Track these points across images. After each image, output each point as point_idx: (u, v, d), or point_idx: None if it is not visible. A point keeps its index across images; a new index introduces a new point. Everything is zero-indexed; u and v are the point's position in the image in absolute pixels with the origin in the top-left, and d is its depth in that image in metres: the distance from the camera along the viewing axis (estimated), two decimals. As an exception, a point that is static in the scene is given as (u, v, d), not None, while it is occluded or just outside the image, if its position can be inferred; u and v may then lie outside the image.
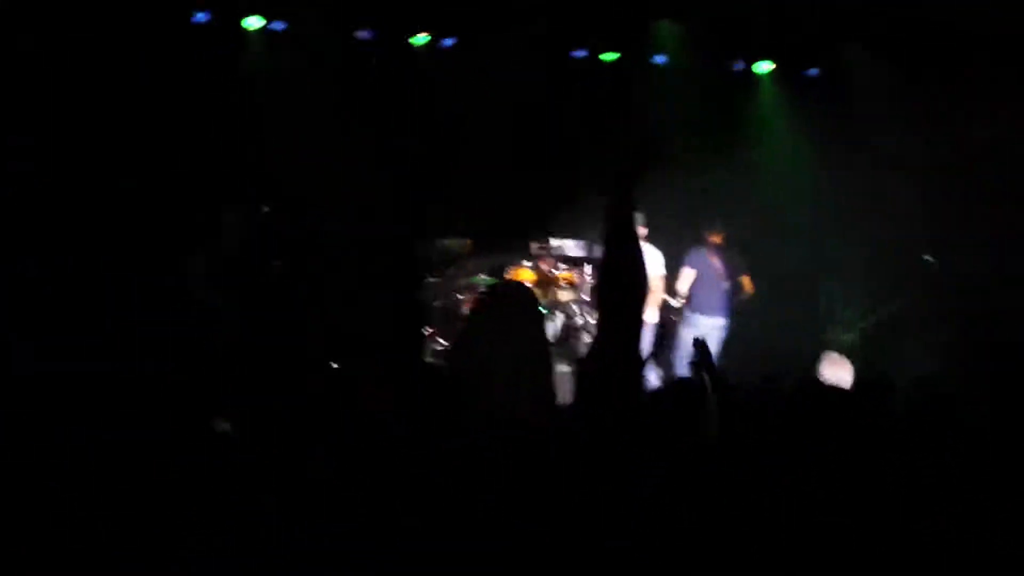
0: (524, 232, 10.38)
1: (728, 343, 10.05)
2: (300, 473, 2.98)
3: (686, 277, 10.13)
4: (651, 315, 9.69)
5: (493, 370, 2.92)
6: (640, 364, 2.90)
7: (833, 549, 2.88)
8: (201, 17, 10.02)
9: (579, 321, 9.92)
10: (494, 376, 2.93)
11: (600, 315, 2.94)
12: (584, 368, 3.05)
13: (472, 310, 3.14)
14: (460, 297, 10.21)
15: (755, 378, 6.23)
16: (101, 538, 2.82)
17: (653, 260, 9.58)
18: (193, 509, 2.93)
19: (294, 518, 2.79)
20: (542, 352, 3.09)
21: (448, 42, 10.81)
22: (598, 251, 9.88)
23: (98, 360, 6.61)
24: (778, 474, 3.11)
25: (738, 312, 10.19)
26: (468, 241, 10.29)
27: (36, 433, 3.28)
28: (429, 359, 9.40)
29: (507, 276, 10.15)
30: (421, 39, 10.76)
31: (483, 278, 10.31)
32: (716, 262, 10.14)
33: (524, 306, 3.12)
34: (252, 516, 2.88)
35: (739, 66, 11.55)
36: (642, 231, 9.47)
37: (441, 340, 9.87)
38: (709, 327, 9.75)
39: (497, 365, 2.93)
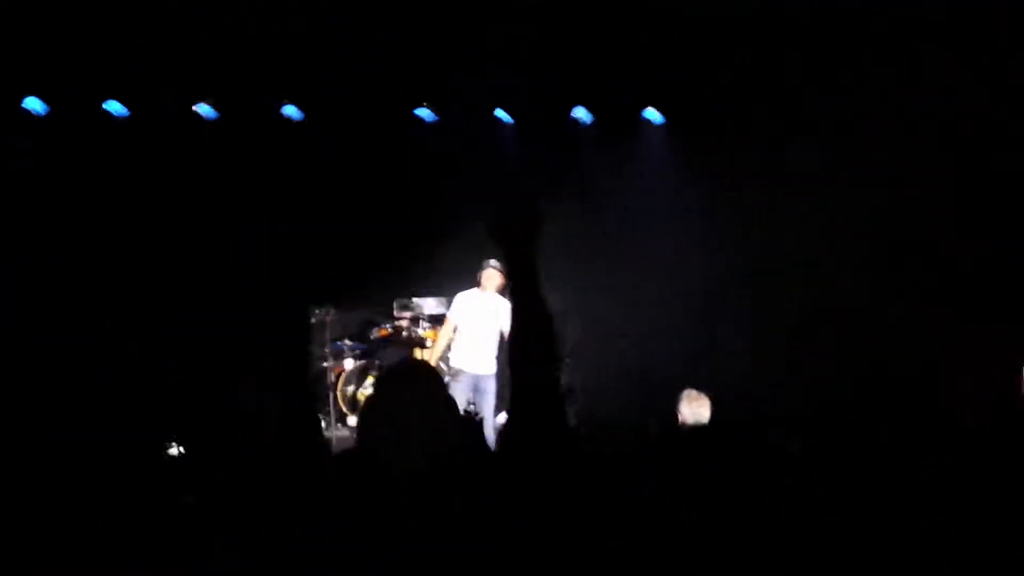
0: (385, 293, 10.41)
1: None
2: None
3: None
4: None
5: (404, 434, 2.93)
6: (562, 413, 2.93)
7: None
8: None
9: (447, 379, 9.98)
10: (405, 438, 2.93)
11: (517, 369, 2.91)
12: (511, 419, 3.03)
13: (374, 396, 3.14)
14: (326, 364, 10.20)
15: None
16: (101, 538, 2.81)
17: (504, 310, 9.64)
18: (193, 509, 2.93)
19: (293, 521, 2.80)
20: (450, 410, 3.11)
21: (291, 111, 10.82)
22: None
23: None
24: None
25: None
26: (329, 308, 10.30)
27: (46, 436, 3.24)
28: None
29: (372, 337, 10.18)
30: (290, 110, 10.75)
31: (348, 343, 10.33)
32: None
33: (430, 386, 3.16)
34: (252, 516, 2.87)
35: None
36: (496, 279, 9.56)
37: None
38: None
39: (407, 428, 2.94)
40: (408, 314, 10.35)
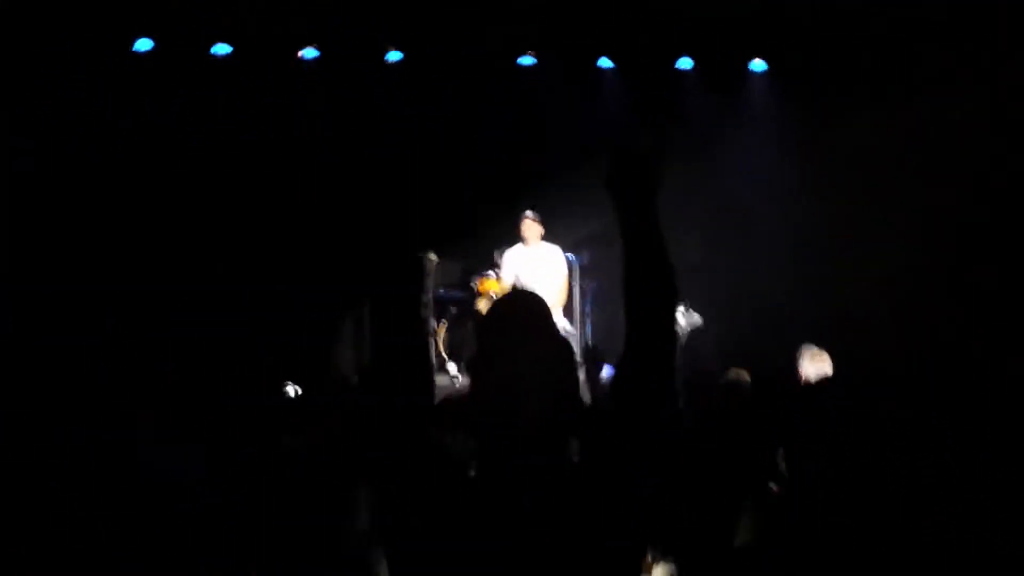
0: (490, 244, 10.38)
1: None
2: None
3: None
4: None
5: (521, 384, 2.86)
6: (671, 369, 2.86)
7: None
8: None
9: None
10: (524, 388, 2.86)
11: (633, 318, 2.83)
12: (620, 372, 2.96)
13: (484, 324, 3.05)
14: (428, 311, 10.21)
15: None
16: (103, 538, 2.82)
17: (554, 259, 9.55)
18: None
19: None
20: (565, 356, 3.04)
21: (396, 57, 10.77)
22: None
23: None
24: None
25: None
26: (433, 255, 10.29)
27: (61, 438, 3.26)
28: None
29: (474, 286, 10.15)
30: (394, 55, 10.72)
31: (449, 291, 10.33)
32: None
33: (536, 315, 3.07)
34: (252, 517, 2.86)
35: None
36: (536, 228, 9.44)
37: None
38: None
39: (524, 377, 2.86)
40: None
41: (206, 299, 9.34)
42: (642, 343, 2.67)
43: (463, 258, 10.54)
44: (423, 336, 9.76)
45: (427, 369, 3.44)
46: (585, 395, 8.10)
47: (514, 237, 10.02)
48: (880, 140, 9.95)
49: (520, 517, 2.49)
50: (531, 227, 9.49)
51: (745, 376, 6.31)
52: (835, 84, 10.31)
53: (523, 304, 3.08)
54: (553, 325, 3.06)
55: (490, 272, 10.28)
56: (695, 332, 9.99)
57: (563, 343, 2.99)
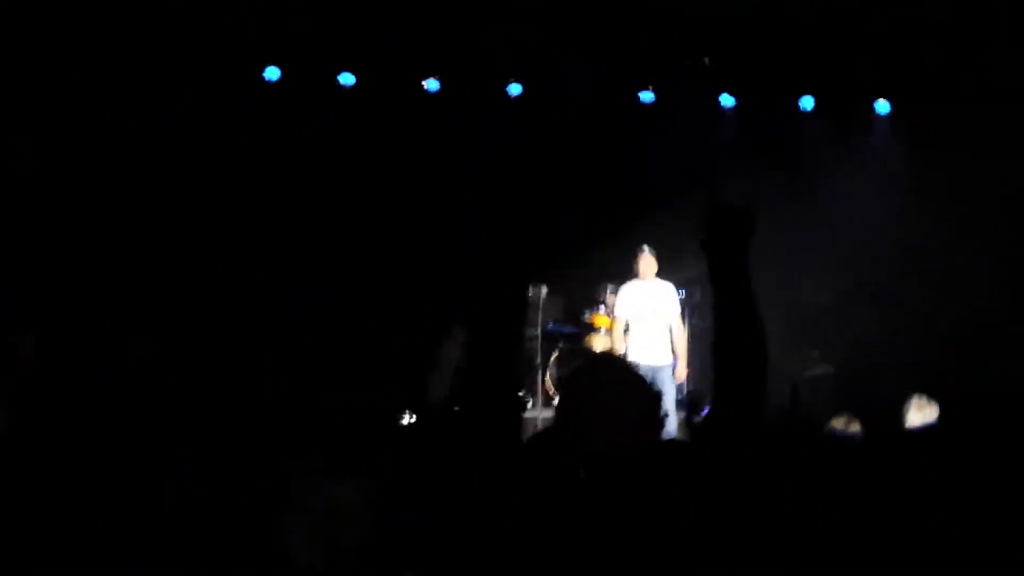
0: (597, 279, 10.40)
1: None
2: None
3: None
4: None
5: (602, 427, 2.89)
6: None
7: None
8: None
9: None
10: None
11: (721, 371, 2.86)
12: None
13: (570, 386, 3.11)
14: (536, 346, 10.27)
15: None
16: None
17: (668, 296, 9.50)
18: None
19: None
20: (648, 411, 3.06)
21: (516, 90, 10.91)
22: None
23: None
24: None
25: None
26: (543, 287, 10.34)
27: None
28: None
29: (586, 320, 10.18)
30: (514, 88, 10.86)
31: (560, 326, 10.37)
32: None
33: (625, 381, 3.11)
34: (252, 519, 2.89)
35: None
36: (653, 264, 9.41)
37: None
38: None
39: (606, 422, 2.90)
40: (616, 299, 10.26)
41: (232, 300, 9.52)
42: (727, 395, 2.69)
43: (567, 293, 10.57)
44: (518, 369, 9.85)
45: (516, 405, 3.48)
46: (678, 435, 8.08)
47: (618, 273, 10.00)
48: (999, 189, 9.74)
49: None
50: (649, 263, 9.47)
51: (855, 425, 6.15)
52: (957, 129, 10.08)
53: (603, 375, 3.12)
54: (636, 388, 3.08)
55: (599, 307, 10.28)
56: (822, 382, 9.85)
57: (647, 405, 3.01)
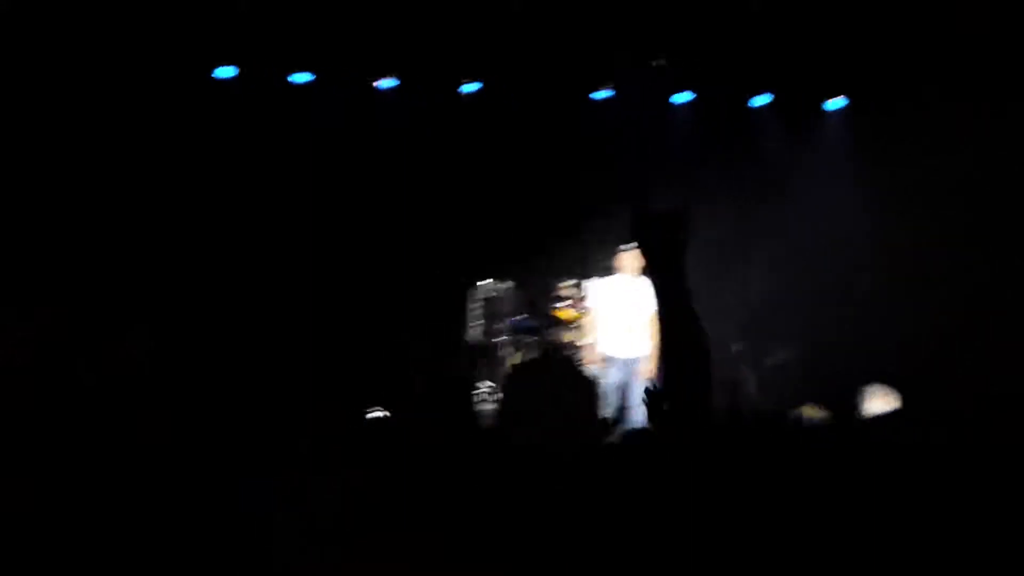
0: (560, 273, 10.46)
1: None
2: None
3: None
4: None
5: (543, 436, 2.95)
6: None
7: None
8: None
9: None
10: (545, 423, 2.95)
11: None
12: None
13: (513, 381, 3.17)
14: (496, 340, 10.30)
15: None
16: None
17: (647, 292, 9.59)
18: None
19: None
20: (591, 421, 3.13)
21: (472, 88, 10.94)
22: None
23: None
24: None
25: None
26: (508, 283, 10.39)
27: None
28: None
29: (550, 315, 10.24)
30: (469, 87, 10.89)
31: (520, 320, 10.41)
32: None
33: (572, 379, 3.18)
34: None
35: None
36: (636, 260, 9.51)
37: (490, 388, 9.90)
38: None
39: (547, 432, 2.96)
40: (580, 293, 10.32)
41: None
42: (676, 385, 2.79)
43: (532, 288, 10.63)
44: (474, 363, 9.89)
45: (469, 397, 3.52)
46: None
47: (570, 268, 10.20)
48: (953, 182, 9.91)
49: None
50: (630, 259, 9.55)
51: (821, 413, 6.23)
52: (911, 124, 10.24)
53: (549, 372, 3.19)
54: (580, 388, 3.15)
55: (563, 302, 10.33)
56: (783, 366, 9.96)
57: (586, 400, 3.08)
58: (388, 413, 7.22)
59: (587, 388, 3.20)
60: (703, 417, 2.88)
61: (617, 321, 9.49)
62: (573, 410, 3.06)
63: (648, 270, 9.44)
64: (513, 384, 3.21)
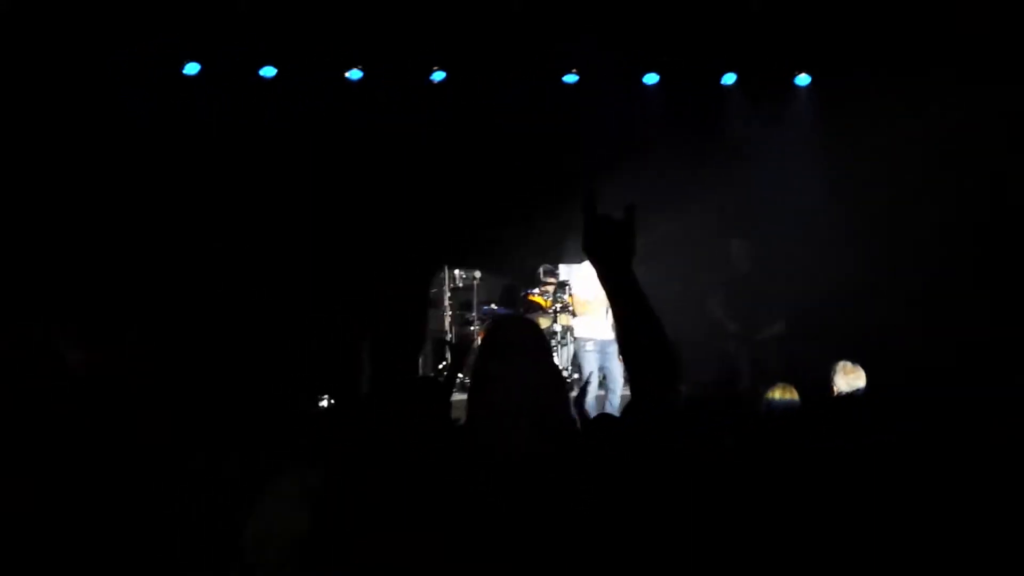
0: (532, 260, 10.46)
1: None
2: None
3: None
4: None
5: (510, 410, 2.95)
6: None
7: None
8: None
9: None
10: (512, 416, 2.95)
11: (630, 365, 2.94)
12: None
13: (479, 351, 3.16)
14: (473, 328, 10.32)
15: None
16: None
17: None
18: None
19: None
20: (556, 383, 3.14)
21: (439, 76, 10.91)
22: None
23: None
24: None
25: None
26: (476, 272, 10.40)
27: None
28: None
29: (519, 302, 10.25)
30: (437, 75, 10.86)
31: (494, 308, 10.42)
32: None
33: (529, 340, 3.17)
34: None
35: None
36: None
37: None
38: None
39: (513, 404, 2.96)
40: (553, 280, 10.33)
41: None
42: (642, 389, 2.80)
43: (503, 275, 10.64)
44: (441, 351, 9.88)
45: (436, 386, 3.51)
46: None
47: (553, 253, 10.16)
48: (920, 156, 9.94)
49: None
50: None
51: (791, 393, 6.25)
52: (876, 99, 10.23)
53: (519, 331, 3.18)
54: (548, 352, 3.16)
55: (535, 288, 10.35)
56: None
57: (555, 371, 3.08)
58: (335, 402, 7.27)
59: (555, 375, 3.17)
60: (673, 403, 2.88)
61: (595, 304, 9.52)
62: (542, 373, 3.04)
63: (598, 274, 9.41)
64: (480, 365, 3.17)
